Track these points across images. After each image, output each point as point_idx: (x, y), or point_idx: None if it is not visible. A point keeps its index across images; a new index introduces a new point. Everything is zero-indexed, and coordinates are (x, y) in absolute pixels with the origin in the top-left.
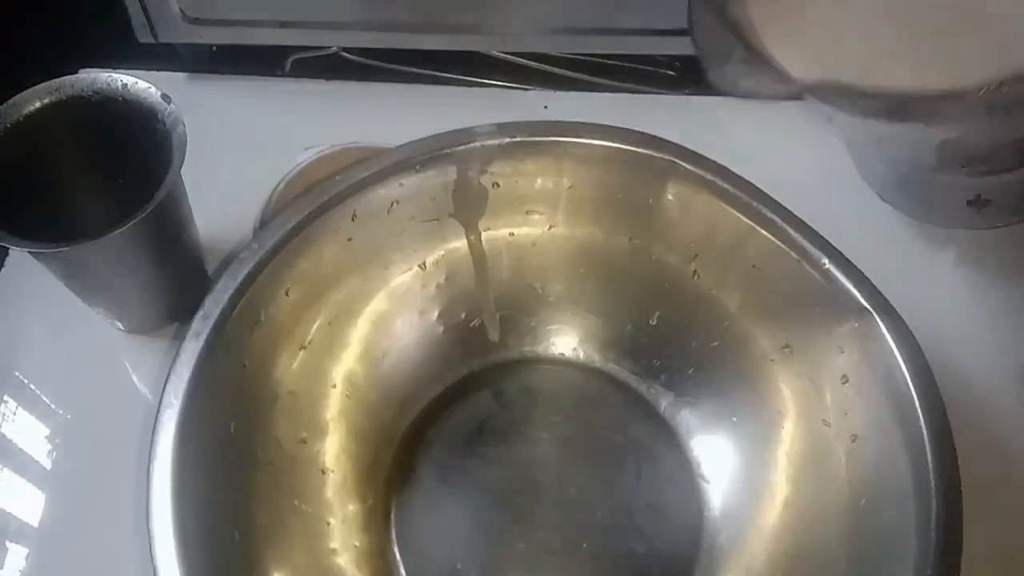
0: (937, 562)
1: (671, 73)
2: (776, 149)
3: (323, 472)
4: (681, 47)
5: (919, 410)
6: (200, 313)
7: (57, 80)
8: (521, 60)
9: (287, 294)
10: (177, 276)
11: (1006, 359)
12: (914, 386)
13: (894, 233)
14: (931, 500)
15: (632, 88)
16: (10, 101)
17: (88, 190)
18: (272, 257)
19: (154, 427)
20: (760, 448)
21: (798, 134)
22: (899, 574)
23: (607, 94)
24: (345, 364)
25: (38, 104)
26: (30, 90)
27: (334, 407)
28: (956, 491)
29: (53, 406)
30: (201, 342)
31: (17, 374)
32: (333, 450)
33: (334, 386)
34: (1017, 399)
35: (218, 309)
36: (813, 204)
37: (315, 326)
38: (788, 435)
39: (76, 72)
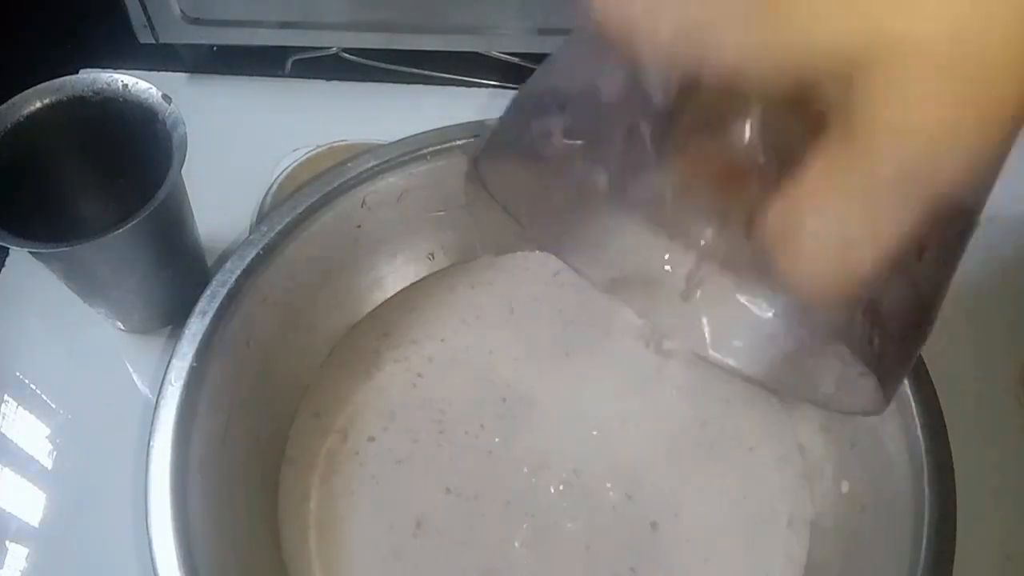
0: (929, 563)
1: None
2: None
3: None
4: None
5: (914, 409)
6: (207, 292)
7: (57, 80)
8: (521, 60)
9: (293, 277)
10: (177, 276)
11: (1005, 359)
12: (910, 386)
13: None
14: (924, 500)
15: None
16: (10, 101)
17: (88, 190)
18: (280, 240)
19: (156, 403)
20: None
21: None
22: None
23: None
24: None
25: (38, 104)
26: (30, 90)
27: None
28: (950, 487)
29: (53, 406)
30: (206, 320)
31: (17, 374)
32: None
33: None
34: (1017, 399)
35: (224, 289)
36: None
37: (322, 309)
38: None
39: (76, 72)
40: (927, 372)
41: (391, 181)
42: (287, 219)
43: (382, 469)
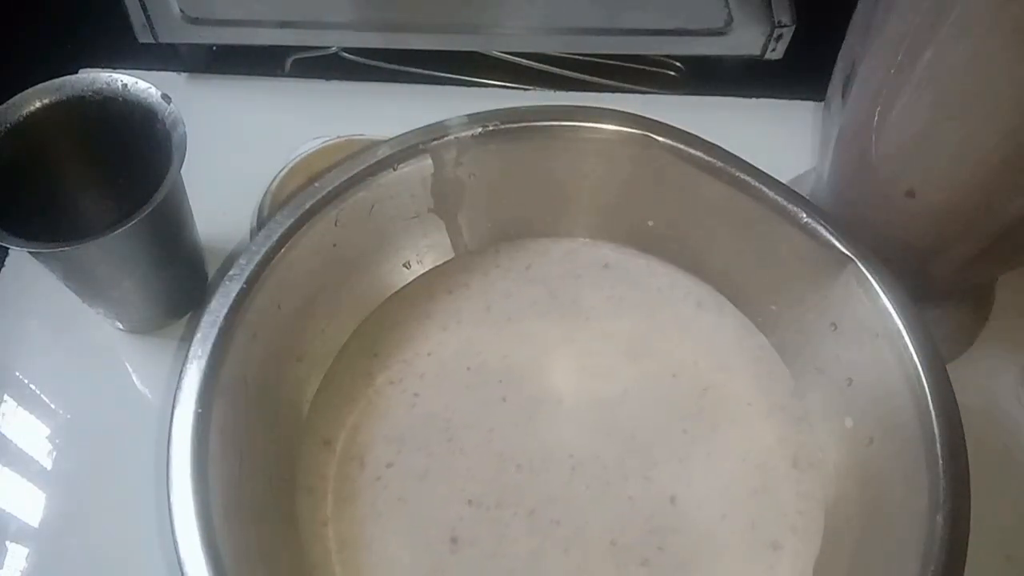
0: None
1: (671, 73)
2: (781, 149)
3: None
4: (681, 47)
5: (909, 343)
6: (197, 335)
7: (57, 80)
8: (521, 60)
9: (280, 306)
10: (177, 276)
11: (1006, 359)
12: (901, 320)
13: None
14: (933, 426)
15: (632, 88)
16: (10, 101)
17: (88, 190)
18: (261, 270)
19: (167, 451)
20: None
21: (803, 132)
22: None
23: (607, 94)
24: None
25: (38, 104)
26: (30, 90)
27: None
28: (955, 416)
29: (53, 406)
30: (203, 363)
31: (17, 374)
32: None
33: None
34: (1017, 399)
35: (215, 330)
36: None
37: (310, 335)
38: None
39: (76, 72)
40: (913, 306)
41: (360, 196)
42: (265, 248)
43: (406, 488)
